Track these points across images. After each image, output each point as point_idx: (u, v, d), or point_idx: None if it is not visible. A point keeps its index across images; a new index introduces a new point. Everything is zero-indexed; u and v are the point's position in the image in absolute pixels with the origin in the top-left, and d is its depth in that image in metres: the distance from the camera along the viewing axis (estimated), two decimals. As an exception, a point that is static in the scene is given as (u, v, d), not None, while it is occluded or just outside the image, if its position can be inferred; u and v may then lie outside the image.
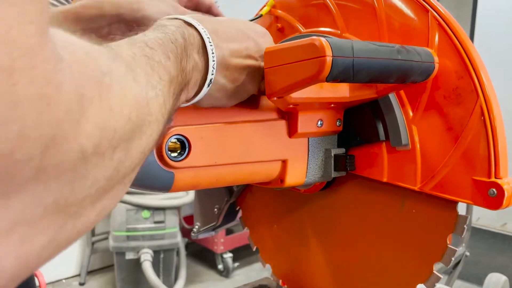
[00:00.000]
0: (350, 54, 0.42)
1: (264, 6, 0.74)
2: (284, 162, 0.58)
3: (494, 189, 0.48)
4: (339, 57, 0.41)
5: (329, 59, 0.41)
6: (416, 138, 0.55)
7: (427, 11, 0.54)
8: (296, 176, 0.59)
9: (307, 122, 0.57)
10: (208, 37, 0.43)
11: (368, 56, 0.43)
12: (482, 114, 0.49)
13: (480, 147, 0.49)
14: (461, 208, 0.53)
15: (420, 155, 0.54)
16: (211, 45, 0.43)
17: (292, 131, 0.57)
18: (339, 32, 0.63)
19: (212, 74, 0.43)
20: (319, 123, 0.58)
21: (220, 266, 2.67)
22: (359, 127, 0.60)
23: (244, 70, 0.47)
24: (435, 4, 0.54)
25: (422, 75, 0.50)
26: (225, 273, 2.66)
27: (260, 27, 0.52)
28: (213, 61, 0.43)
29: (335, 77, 0.42)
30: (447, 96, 0.52)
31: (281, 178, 0.59)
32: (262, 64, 0.48)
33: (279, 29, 0.73)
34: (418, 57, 0.49)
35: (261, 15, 0.71)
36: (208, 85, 0.44)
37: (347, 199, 0.65)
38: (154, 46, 0.34)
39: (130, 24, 0.55)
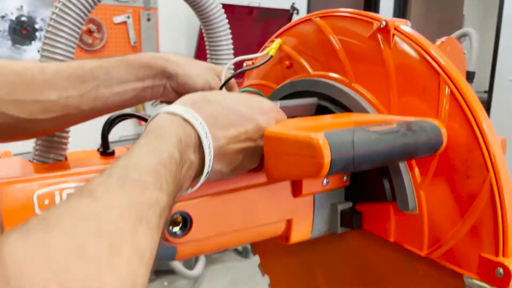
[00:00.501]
0: (350, 150, 0.40)
1: (271, 42, 0.72)
2: (289, 221, 0.57)
3: (501, 269, 0.47)
4: (338, 155, 0.40)
5: (327, 160, 0.39)
6: (424, 204, 0.53)
7: (438, 74, 0.51)
8: (302, 233, 0.59)
9: (312, 182, 0.56)
10: (206, 133, 0.42)
11: (370, 149, 0.42)
12: (492, 191, 0.47)
13: (488, 224, 0.48)
14: (468, 278, 0.52)
15: (427, 222, 0.53)
16: (207, 140, 0.42)
17: (296, 192, 0.56)
18: (347, 80, 0.61)
19: (209, 167, 0.43)
20: (324, 181, 0.57)
21: (239, 247, 2.72)
22: (366, 184, 0.59)
23: (241, 153, 0.46)
24: (446, 67, 0.51)
25: (429, 151, 0.48)
26: (244, 254, 2.72)
27: (266, 102, 0.50)
28: (210, 154, 0.42)
29: (334, 173, 0.41)
30: (457, 167, 0.50)
31: (286, 236, 0.58)
32: (261, 143, 0.47)
33: (287, 67, 0.71)
34: (424, 135, 0.47)
35: (271, 56, 0.69)
36: (206, 176, 0.43)
37: (354, 247, 0.64)
38: (147, 178, 0.33)
39: (178, 89, 0.60)
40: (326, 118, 0.57)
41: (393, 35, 0.56)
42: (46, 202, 0.47)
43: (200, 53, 3.08)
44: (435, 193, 0.52)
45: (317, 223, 0.59)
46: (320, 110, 0.63)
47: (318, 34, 0.66)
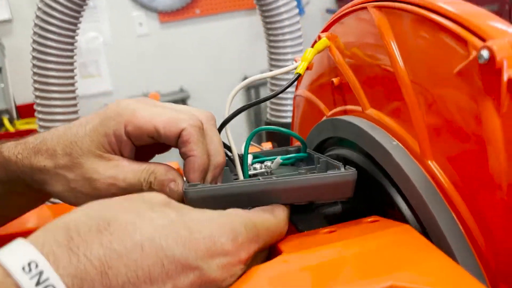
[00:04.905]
0: None
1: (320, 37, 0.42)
2: None
3: None
4: None
5: None
6: None
7: None
8: None
9: None
10: None
11: None
12: None
13: None
14: None
15: None
16: None
17: None
18: (419, 153, 0.30)
19: None
20: None
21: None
22: None
23: None
24: None
25: None
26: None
27: (229, 230, 0.26)
28: None
29: None
30: None
31: None
32: None
33: (336, 86, 0.41)
34: None
35: (299, 76, 0.39)
36: None
37: None
38: None
39: None
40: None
41: (510, 81, 0.23)
42: None
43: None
44: None
45: None
46: (365, 178, 0.34)
47: (376, 38, 0.34)
